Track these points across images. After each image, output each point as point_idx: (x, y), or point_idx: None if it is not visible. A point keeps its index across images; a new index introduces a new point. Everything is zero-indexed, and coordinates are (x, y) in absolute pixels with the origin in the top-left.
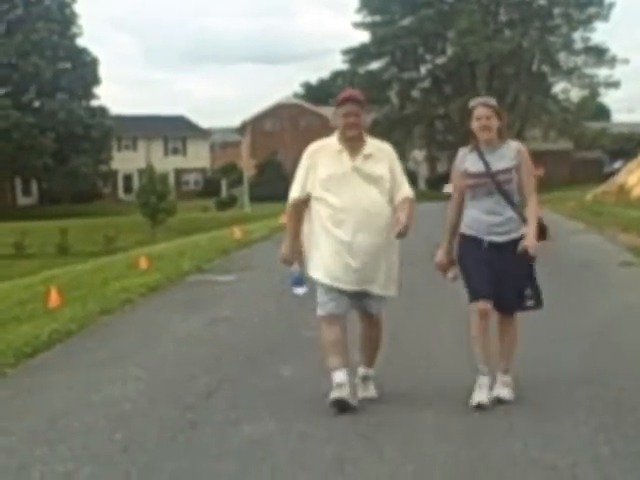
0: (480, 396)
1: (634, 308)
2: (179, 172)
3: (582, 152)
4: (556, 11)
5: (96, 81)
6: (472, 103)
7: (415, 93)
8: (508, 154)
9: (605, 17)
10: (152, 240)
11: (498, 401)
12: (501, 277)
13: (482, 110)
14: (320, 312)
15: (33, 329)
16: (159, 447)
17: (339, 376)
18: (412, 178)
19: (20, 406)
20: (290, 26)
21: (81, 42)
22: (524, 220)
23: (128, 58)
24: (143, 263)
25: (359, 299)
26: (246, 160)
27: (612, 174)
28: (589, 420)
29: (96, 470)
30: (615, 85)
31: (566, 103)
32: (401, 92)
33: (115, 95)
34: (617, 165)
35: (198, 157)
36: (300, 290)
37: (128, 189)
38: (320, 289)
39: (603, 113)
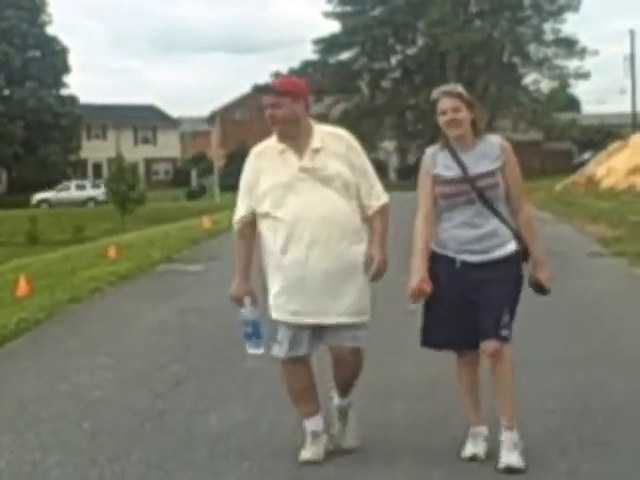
0: (476, 448)
1: (603, 297)
2: (149, 162)
3: (552, 143)
4: (526, 2)
5: (66, 69)
6: (434, 94)
7: (385, 83)
8: (489, 153)
9: (575, 8)
10: (121, 229)
11: (508, 471)
12: (479, 304)
13: (446, 101)
14: (278, 354)
15: (1, 318)
16: (127, 435)
17: (313, 423)
18: (383, 168)
19: None
20: (261, 15)
21: (51, 30)
22: (515, 233)
23: (98, 47)
24: (112, 252)
25: (327, 333)
26: (216, 150)
27: (581, 165)
28: (557, 408)
29: (64, 458)
30: (585, 76)
31: (536, 94)
32: (371, 82)
33: (85, 84)
34: (586, 156)
35: (168, 147)
36: (255, 350)
37: (98, 178)
38: (280, 328)
39: (573, 104)
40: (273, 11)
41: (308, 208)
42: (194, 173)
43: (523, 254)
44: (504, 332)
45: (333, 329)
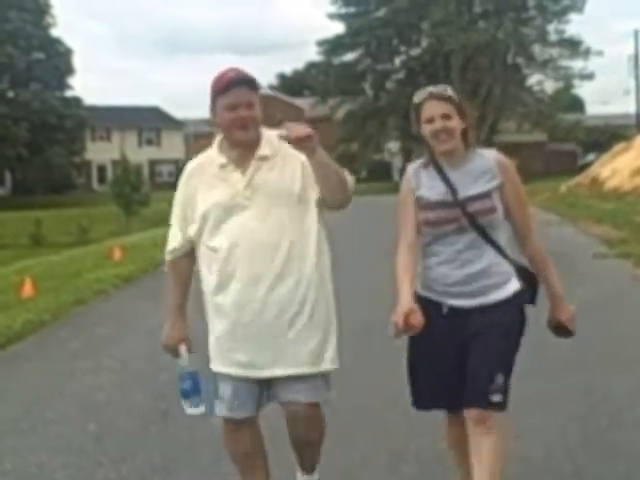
0: None
1: (608, 299)
2: (153, 163)
3: (556, 144)
4: (531, 3)
5: (70, 71)
6: (418, 96)
7: (390, 84)
8: (483, 170)
9: (579, 9)
10: (126, 231)
11: None
12: (470, 359)
13: (434, 106)
14: (220, 412)
15: (6, 319)
16: (132, 437)
17: None
18: (387, 169)
19: None
20: (265, 17)
21: (55, 32)
22: (517, 269)
23: (102, 48)
24: (117, 254)
25: (279, 386)
26: None
27: (586, 166)
28: (562, 410)
29: (69, 460)
30: (589, 77)
31: (540, 95)
32: (375, 83)
33: (89, 85)
34: (591, 157)
35: (172, 148)
36: (194, 409)
37: (102, 180)
38: (220, 382)
39: (577, 105)
40: (277, 12)
41: (250, 234)
42: None
43: (530, 294)
44: (495, 397)
45: (286, 381)
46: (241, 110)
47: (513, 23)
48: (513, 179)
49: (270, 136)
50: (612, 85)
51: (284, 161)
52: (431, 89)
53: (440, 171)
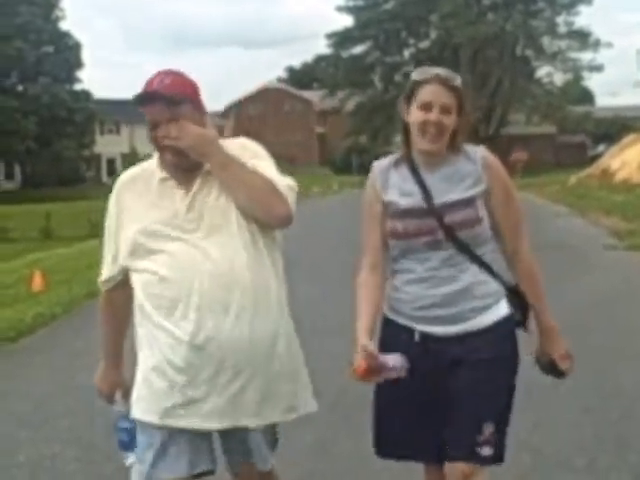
0: None
1: (618, 291)
2: None
3: (566, 136)
4: None
5: (79, 65)
6: (419, 74)
7: (398, 77)
8: (465, 172)
9: (588, 1)
10: None
11: None
12: (449, 400)
13: (438, 92)
14: (142, 476)
15: (17, 313)
16: None
17: None
18: None
19: (4, 389)
20: (274, 10)
21: (64, 26)
22: (507, 288)
23: (111, 42)
24: None
25: (228, 442)
26: None
27: (596, 158)
28: (573, 403)
29: (81, 453)
30: (598, 69)
31: (550, 87)
32: (384, 76)
33: (98, 79)
34: (601, 149)
35: None
36: (131, 458)
37: (112, 173)
38: (143, 433)
39: (587, 97)
40: (286, 5)
41: (195, 260)
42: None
43: (520, 319)
44: (485, 450)
45: (233, 435)
46: (160, 129)
47: (522, 15)
48: (501, 182)
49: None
50: (621, 77)
51: None
52: (439, 70)
53: (414, 171)
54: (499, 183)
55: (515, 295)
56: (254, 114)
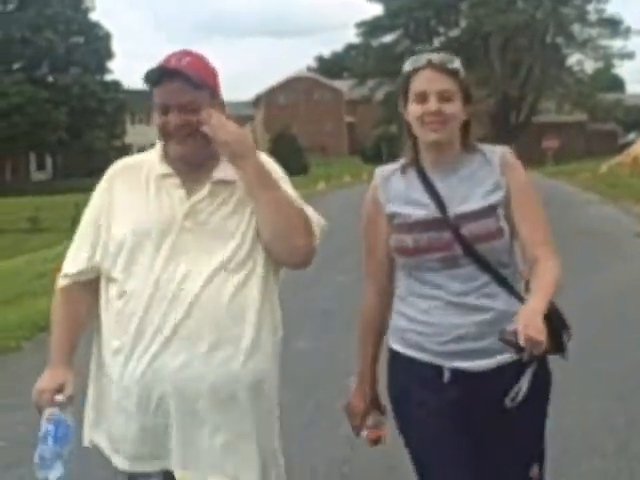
0: None
1: None
2: None
3: (597, 124)
4: None
5: (109, 55)
6: (411, 63)
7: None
8: (484, 176)
9: None
10: None
11: None
12: (486, 446)
13: (432, 79)
14: None
15: (49, 303)
16: None
17: None
18: None
19: (35, 381)
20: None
21: (94, 16)
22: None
23: (140, 32)
24: None
25: None
26: (260, 134)
27: (627, 145)
28: (604, 391)
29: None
30: (629, 56)
31: (580, 75)
32: None
33: (128, 69)
34: (631, 136)
35: None
36: (48, 474)
37: None
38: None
39: (617, 84)
40: None
41: (173, 281)
42: None
43: (556, 345)
44: None
45: None
46: (172, 115)
47: (552, 3)
48: (523, 187)
49: None
50: None
51: (244, 198)
52: (431, 55)
53: (423, 177)
54: (520, 186)
55: (546, 320)
56: (284, 103)
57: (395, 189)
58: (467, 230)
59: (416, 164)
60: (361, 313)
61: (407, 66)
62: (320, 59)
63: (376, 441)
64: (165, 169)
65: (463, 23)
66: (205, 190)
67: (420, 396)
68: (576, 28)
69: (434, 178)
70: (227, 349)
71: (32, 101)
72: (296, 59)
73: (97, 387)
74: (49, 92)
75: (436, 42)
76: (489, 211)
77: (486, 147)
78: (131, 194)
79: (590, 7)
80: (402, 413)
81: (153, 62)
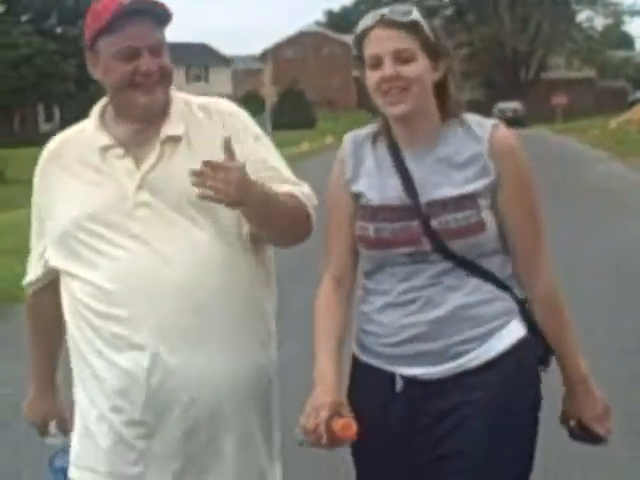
0: None
1: None
2: None
3: (606, 81)
4: None
5: None
6: (364, 21)
7: (438, 21)
8: (468, 156)
9: None
10: None
11: None
12: (446, 466)
13: (384, 38)
14: None
15: None
16: None
17: None
18: None
19: None
20: None
21: None
22: (521, 305)
23: None
24: None
25: None
26: (268, 88)
27: (636, 102)
28: (611, 345)
29: None
30: (639, 13)
31: (590, 31)
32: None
33: None
34: None
35: (220, 85)
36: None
37: None
38: None
39: (627, 41)
40: None
41: (150, 270)
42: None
43: (542, 349)
44: None
45: None
46: (144, 58)
47: None
48: (517, 172)
49: (184, 102)
50: None
51: (204, 149)
52: (382, 10)
53: (395, 154)
54: (514, 173)
55: (528, 315)
56: (292, 58)
57: (363, 165)
58: (438, 222)
59: (388, 136)
60: (316, 305)
61: (359, 26)
62: (329, 13)
63: (339, 441)
64: (105, 139)
65: None
66: (155, 153)
67: (369, 402)
68: None
69: (407, 156)
70: (226, 341)
71: (40, 52)
72: (305, 14)
73: (77, 401)
74: (57, 44)
75: None
76: (468, 200)
77: (474, 119)
78: (70, 176)
79: None
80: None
81: None
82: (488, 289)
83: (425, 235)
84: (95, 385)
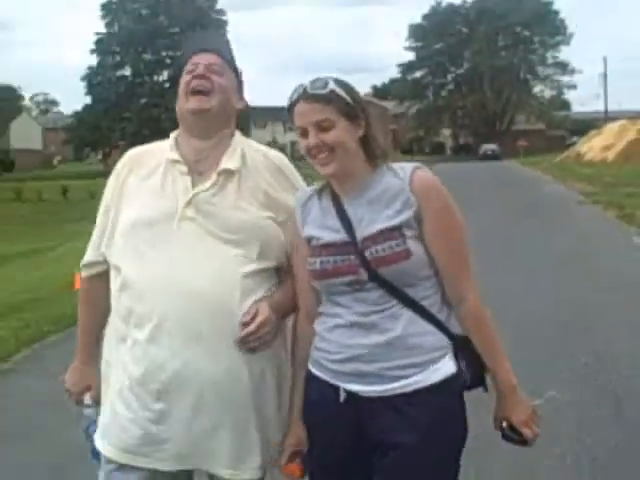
0: None
1: (588, 229)
2: (294, 143)
3: (552, 131)
4: (536, 39)
5: None
6: (291, 95)
7: (444, 92)
8: (392, 195)
9: (567, 42)
10: None
11: None
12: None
13: (306, 112)
14: None
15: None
16: None
17: None
18: (442, 147)
19: None
20: (365, 48)
21: None
22: (454, 340)
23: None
24: None
25: None
26: None
27: (571, 145)
28: (560, 347)
29: None
30: (574, 87)
31: (542, 99)
32: (434, 92)
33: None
34: (575, 139)
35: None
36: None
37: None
38: (103, 469)
39: (565, 105)
40: (373, 44)
41: (177, 273)
42: None
43: (474, 378)
44: None
45: None
46: (201, 74)
47: (524, 52)
48: (438, 204)
49: (244, 144)
50: (588, 92)
51: (252, 187)
52: (305, 82)
53: (336, 201)
54: (434, 205)
55: (468, 349)
56: None
57: (311, 213)
58: (370, 253)
59: (330, 188)
60: (297, 333)
61: (288, 100)
62: (374, 87)
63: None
64: (175, 155)
65: (466, 65)
66: (210, 180)
67: (318, 408)
68: (539, 69)
69: (345, 201)
70: (230, 343)
71: None
72: (359, 88)
73: (104, 371)
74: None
75: (449, 77)
76: (395, 232)
77: (399, 164)
78: (140, 182)
79: (548, 54)
80: (307, 431)
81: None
82: (424, 322)
83: (361, 266)
84: (120, 369)
